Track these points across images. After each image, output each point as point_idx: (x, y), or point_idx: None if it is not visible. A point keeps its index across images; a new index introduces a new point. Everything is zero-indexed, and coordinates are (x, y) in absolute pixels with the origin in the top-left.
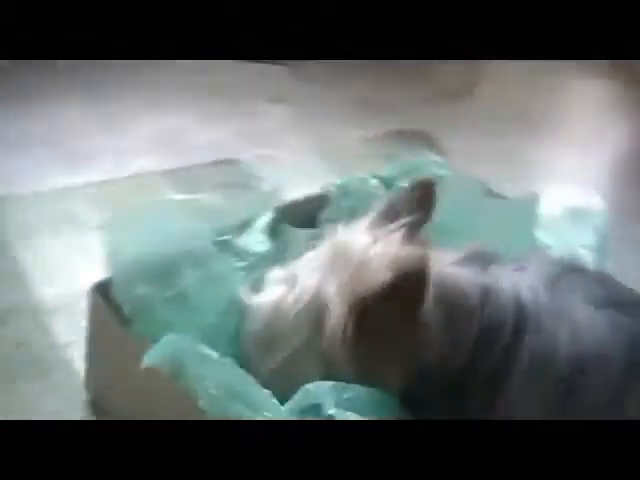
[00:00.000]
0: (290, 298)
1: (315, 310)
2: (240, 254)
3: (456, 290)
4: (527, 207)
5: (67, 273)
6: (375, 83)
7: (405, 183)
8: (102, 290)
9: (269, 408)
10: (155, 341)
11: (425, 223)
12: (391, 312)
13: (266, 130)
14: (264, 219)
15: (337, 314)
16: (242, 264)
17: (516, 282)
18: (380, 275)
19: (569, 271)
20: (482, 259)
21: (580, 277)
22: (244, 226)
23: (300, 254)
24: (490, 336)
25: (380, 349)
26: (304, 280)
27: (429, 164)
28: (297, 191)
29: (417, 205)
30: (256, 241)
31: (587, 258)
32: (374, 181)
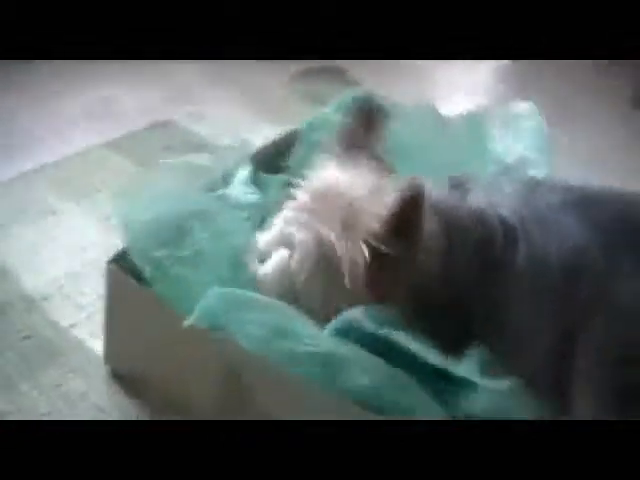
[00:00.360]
0: (295, 263)
1: (323, 267)
2: (238, 206)
3: (452, 214)
4: (476, 122)
5: (48, 258)
6: None
7: None
8: (119, 261)
9: (310, 336)
10: (177, 299)
11: (381, 144)
12: (398, 240)
13: (190, 88)
14: (243, 172)
15: (348, 258)
16: (244, 215)
17: (496, 202)
18: (378, 208)
19: (536, 185)
20: (462, 186)
21: (548, 188)
22: (226, 181)
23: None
24: (485, 252)
25: (394, 275)
26: (301, 238)
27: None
28: (233, 141)
29: (368, 129)
30: (244, 192)
31: (533, 159)
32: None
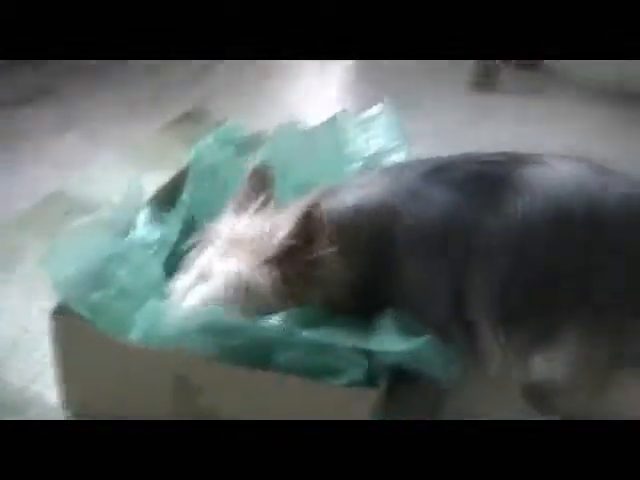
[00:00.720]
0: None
1: (245, 291)
2: (146, 245)
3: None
4: (333, 130)
5: None
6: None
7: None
8: (61, 311)
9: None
10: (117, 331)
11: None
12: (303, 254)
13: (72, 155)
14: (144, 214)
15: (263, 283)
16: (151, 251)
17: (388, 187)
18: (274, 240)
19: (400, 167)
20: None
21: (409, 166)
22: (132, 226)
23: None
24: (377, 242)
25: (306, 282)
26: (219, 271)
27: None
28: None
29: (262, 186)
30: (148, 231)
31: (392, 148)
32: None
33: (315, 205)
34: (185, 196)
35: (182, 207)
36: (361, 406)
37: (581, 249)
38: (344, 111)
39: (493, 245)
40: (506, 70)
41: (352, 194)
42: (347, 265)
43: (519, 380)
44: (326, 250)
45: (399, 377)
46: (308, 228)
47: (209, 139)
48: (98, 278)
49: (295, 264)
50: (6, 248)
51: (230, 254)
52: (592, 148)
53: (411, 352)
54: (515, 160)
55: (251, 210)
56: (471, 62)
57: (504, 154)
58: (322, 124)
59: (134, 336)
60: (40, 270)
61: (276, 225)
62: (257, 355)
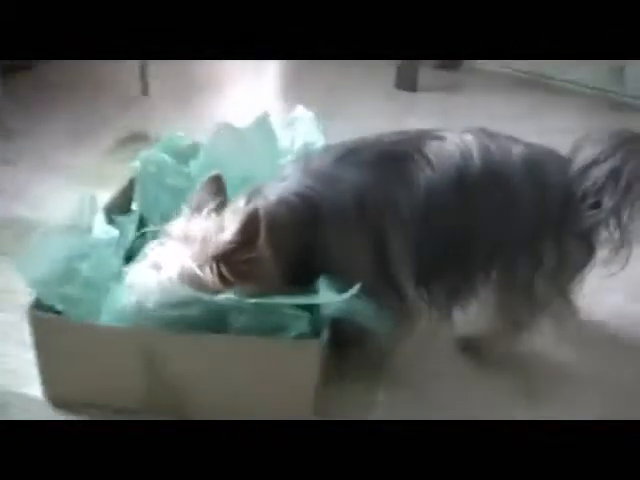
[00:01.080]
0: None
1: (193, 282)
2: (104, 243)
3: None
4: (265, 128)
5: None
6: None
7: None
8: (36, 307)
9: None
10: (87, 317)
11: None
12: (243, 253)
13: (23, 185)
14: (99, 219)
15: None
16: (111, 248)
17: (304, 178)
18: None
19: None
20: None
21: (321, 155)
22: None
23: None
24: (302, 227)
25: (245, 277)
26: (171, 264)
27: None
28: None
29: (217, 192)
30: (105, 233)
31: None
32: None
33: (254, 210)
34: (136, 201)
35: (134, 211)
36: (308, 354)
37: (485, 206)
38: (266, 113)
39: (404, 213)
40: (426, 70)
41: (274, 190)
42: (278, 258)
43: (445, 332)
44: (263, 250)
45: (340, 331)
46: (248, 231)
47: (152, 150)
48: (66, 274)
49: (235, 261)
50: None
51: (181, 250)
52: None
53: (345, 303)
54: (417, 137)
55: (204, 212)
56: (393, 64)
57: (406, 133)
58: (252, 125)
59: (103, 320)
60: (17, 272)
61: (221, 225)
62: (214, 323)
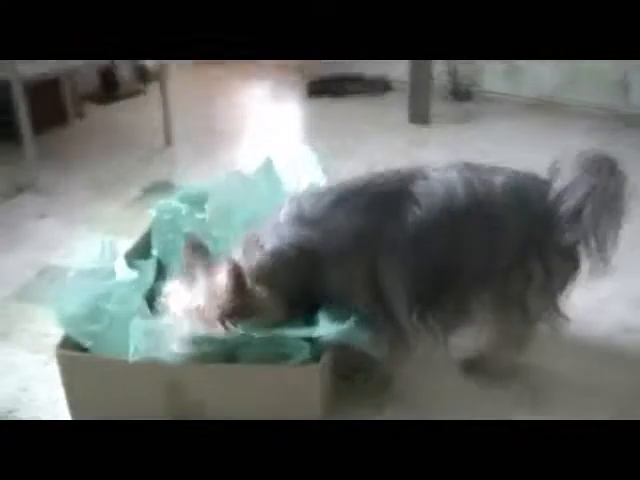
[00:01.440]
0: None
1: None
2: (126, 285)
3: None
4: (271, 171)
5: None
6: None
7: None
8: (64, 345)
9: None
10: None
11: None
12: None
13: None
14: (121, 263)
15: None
16: (133, 288)
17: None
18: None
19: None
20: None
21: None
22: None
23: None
24: (298, 273)
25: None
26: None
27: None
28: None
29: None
30: (127, 275)
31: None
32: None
33: (235, 266)
34: (154, 247)
35: (153, 256)
36: (309, 377)
37: (472, 235)
38: (269, 159)
39: (397, 246)
40: (438, 102)
41: (270, 242)
42: (278, 301)
43: (446, 353)
44: (257, 295)
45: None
46: (235, 285)
47: (169, 200)
48: (92, 313)
49: (235, 313)
50: (13, 313)
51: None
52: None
53: (343, 332)
54: (405, 178)
55: (194, 278)
56: (406, 98)
57: (396, 173)
58: (258, 169)
59: (128, 355)
60: (48, 312)
61: (214, 288)
62: (226, 357)
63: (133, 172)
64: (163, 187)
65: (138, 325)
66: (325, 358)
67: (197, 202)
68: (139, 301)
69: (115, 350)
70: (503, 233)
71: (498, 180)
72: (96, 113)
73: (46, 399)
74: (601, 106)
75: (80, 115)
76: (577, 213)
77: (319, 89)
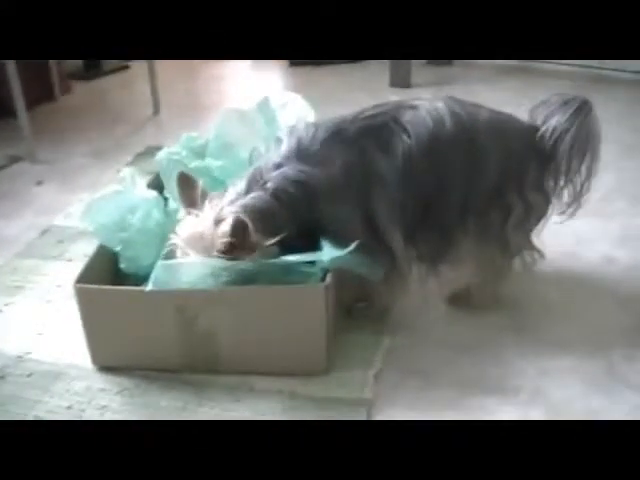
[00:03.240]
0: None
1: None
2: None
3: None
4: (266, 108)
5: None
6: None
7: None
8: (80, 280)
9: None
10: (137, 258)
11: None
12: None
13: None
14: (141, 186)
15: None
16: (154, 205)
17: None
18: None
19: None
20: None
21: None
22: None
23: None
24: (296, 206)
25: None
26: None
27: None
28: None
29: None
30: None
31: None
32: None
33: (238, 220)
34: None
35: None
36: (316, 296)
37: (455, 164)
38: (267, 97)
39: (386, 177)
40: (418, 67)
41: (273, 178)
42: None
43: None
44: (255, 240)
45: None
46: (237, 234)
47: (172, 147)
48: (120, 223)
49: (236, 252)
50: (23, 269)
51: (188, 250)
52: None
53: (345, 256)
54: (393, 109)
55: (197, 207)
56: (387, 65)
57: (383, 105)
58: (255, 107)
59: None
60: (82, 222)
61: (218, 223)
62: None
63: (125, 140)
64: (155, 151)
65: (162, 263)
66: (329, 278)
67: (197, 152)
68: (159, 215)
69: (139, 254)
70: (483, 164)
71: (482, 114)
72: (82, 89)
73: (60, 341)
74: (581, 66)
75: (67, 91)
76: (554, 150)
77: (301, 60)
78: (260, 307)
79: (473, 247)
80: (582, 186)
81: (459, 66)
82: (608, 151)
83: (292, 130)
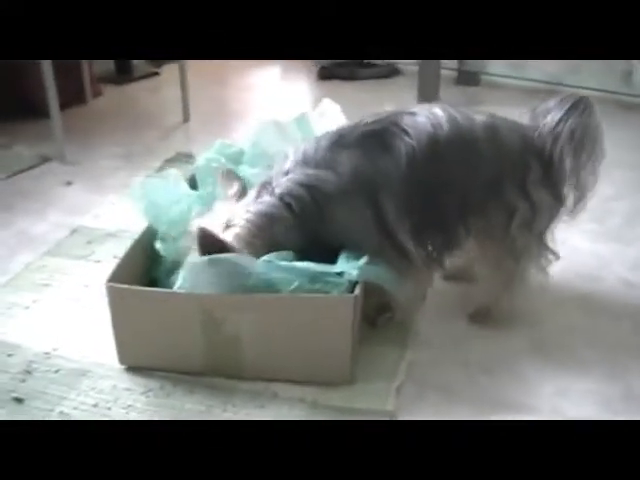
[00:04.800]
0: None
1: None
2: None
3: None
4: (304, 121)
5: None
6: None
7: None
8: (112, 279)
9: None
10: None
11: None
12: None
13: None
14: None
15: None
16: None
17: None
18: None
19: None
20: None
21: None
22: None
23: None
24: (305, 216)
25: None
26: None
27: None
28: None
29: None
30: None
31: None
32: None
33: (201, 230)
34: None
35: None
36: (343, 307)
37: (454, 163)
38: (304, 113)
39: (391, 180)
40: (448, 86)
41: (280, 183)
42: (289, 239)
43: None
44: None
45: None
46: (206, 246)
47: (208, 153)
48: (166, 210)
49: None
50: (51, 267)
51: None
52: None
53: (375, 269)
54: (392, 115)
55: (231, 200)
56: (417, 81)
57: (381, 114)
58: (293, 121)
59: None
60: (132, 204)
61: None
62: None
63: (154, 145)
64: (185, 158)
65: (190, 262)
66: (358, 290)
67: (232, 158)
68: (199, 209)
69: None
70: (480, 163)
71: (478, 117)
72: (113, 93)
73: (87, 340)
74: (604, 91)
75: (97, 94)
76: (553, 146)
77: (329, 74)
78: (288, 314)
79: (478, 247)
80: (586, 182)
81: (486, 86)
82: (629, 177)
83: (297, 146)
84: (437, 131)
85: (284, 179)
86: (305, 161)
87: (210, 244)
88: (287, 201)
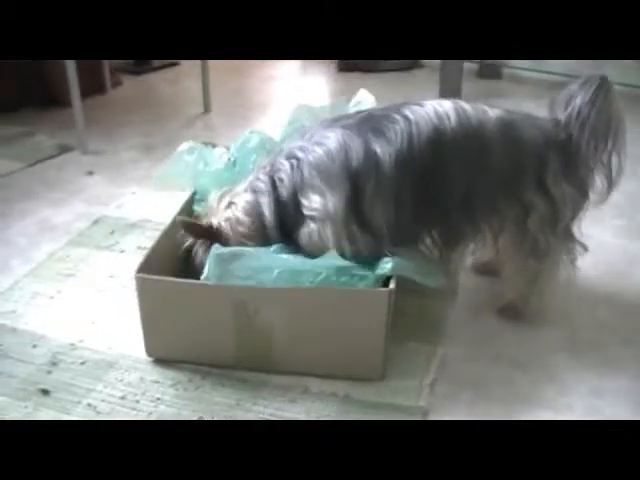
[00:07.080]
0: None
1: None
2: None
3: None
4: (341, 107)
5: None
6: None
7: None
8: (141, 270)
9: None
10: None
11: None
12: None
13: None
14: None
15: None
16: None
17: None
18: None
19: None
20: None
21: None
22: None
23: None
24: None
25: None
26: None
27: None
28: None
29: None
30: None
31: None
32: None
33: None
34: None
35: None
36: (378, 301)
37: (459, 157)
38: (340, 98)
39: (380, 163)
40: (469, 80)
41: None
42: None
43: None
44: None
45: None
46: (194, 233)
47: (239, 141)
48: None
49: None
50: (74, 257)
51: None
52: None
53: (407, 263)
54: (399, 105)
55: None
56: (438, 75)
57: (390, 105)
58: (328, 105)
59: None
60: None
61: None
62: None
63: (174, 135)
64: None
65: (215, 253)
66: (393, 284)
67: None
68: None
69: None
70: (490, 159)
71: (492, 112)
72: (132, 83)
73: (113, 331)
74: (627, 85)
75: (117, 84)
76: (580, 134)
77: (350, 66)
78: (322, 308)
79: (499, 245)
80: (617, 165)
81: (508, 80)
82: None
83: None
84: (442, 122)
85: (276, 155)
86: (301, 137)
87: (196, 232)
88: (271, 173)
